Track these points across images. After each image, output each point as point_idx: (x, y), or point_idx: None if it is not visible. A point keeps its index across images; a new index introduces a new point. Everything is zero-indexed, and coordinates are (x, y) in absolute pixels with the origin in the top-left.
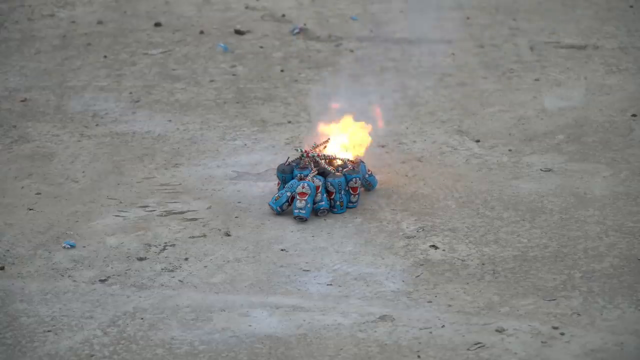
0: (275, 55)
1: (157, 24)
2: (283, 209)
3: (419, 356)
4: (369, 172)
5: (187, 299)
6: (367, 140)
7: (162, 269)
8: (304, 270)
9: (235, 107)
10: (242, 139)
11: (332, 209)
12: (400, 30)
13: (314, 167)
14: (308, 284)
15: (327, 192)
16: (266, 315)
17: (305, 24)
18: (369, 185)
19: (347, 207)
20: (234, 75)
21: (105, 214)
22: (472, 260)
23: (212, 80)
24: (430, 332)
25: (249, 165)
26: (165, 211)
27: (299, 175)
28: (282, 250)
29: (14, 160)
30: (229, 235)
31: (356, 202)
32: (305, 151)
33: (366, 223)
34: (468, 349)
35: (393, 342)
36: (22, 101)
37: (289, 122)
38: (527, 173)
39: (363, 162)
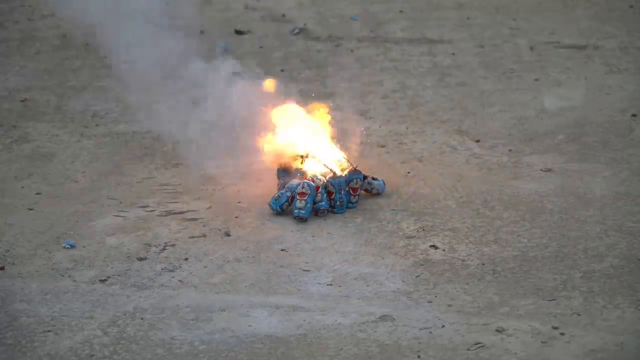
0: (275, 55)
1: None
2: (283, 208)
3: (419, 356)
4: (374, 177)
5: (187, 299)
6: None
7: (162, 269)
8: (304, 270)
9: (236, 107)
10: (242, 139)
11: (332, 209)
12: (400, 30)
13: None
14: (308, 284)
15: (327, 192)
16: (266, 315)
17: (305, 24)
18: (374, 189)
19: (347, 208)
20: (233, 75)
21: (105, 214)
22: (472, 260)
23: (212, 80)
24: (430, 332)
25: (249, 165)
26: (165, 211)
27: (298, 175)
28: (282, 250)
29: (14, 160)
30: (229, 235)
31: (356, 202)
32: (306, 155)
33: (366, 223)
34: (468, 349)
35: (393, 342)
36: (22, 101)
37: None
38: (527, 173)
39: (358, 170)
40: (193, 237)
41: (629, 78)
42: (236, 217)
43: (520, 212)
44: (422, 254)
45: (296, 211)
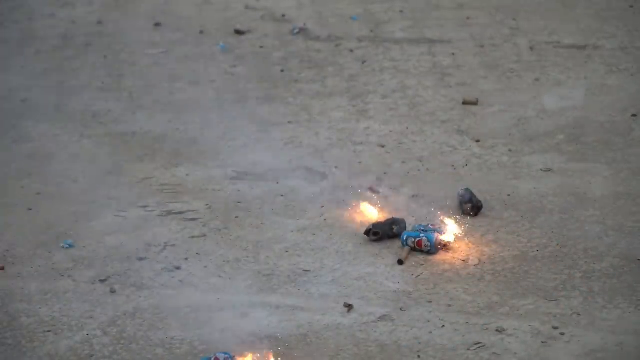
0: (275, 55)
1: (157, 24)
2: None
3: (419, 356)
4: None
5: (187, 299)
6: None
7: (162, 269)
8: (304, 270)
9: (235, 107)
10: (242, 139)
11: None
12: (400, 30)
13: None
14: (308, 284)
15: None
16: (266, 315)
17: (305, 24)
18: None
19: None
20: (233, 75)
21: (105, 214)
22: (472, 260)
23: (212, 80)
24: (430, 332)
25: (249, 165)
26: (165, 211)
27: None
28: (282, 250)
29: (14, 160)
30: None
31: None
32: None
33: (366, 223)
34: (468, 349)
35: (393, 342)
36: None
37: (289, 122)
38: (527, 173)
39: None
40: (193, 237)
41: (629, 78)
42: (236, 217)
43: (520, 212)
44: (422, 254)
45: None
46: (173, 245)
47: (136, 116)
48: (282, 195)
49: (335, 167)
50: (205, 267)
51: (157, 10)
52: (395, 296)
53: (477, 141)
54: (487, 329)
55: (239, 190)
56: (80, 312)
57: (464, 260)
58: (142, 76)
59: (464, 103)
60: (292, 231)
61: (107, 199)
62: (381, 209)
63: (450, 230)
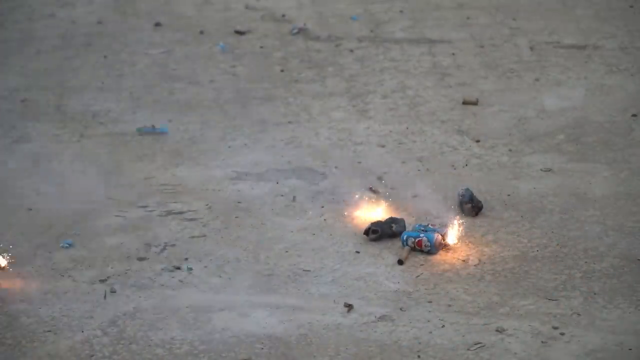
0: (275, 55)
1: (157, 24)
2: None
3: (419, 356)
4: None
5: (187, 299)
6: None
7: (162, 269)
8: (304, 270)
9: (235, 107)
10: (242, 139)
11: None
12: (400, 30)
13: None
14: (308, 284)
15: None
16: (266, 315)
17: (305, 24)
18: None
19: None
20: (234, 75)
21: (105, 214)
22: (472, 260)
23: (212, 80)
24: (430, 332)
25: (249, 165)
26: (165, 211)
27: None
28: (282, 250)
29: (14, 160)
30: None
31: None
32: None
33: (366, 223)
34: (468, 349)
35: (393, 342)
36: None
37: (289, 122)
38: (527, 173)
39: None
40: (193, 237)
41: (629, 78)
42: (236, 217)
43: (520, 212)
44: (422, 254)
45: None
46: (173, 245)
47: (136, 116)
48: (282, 195)
49: (335, 167)
50: (205, 267)
51: (157, 10)
52: (395, 296)
53: (477, 141)
54: (487, 329)
55: (239, 190)
56: (80, 312)
57: (464, 260)
58: (142, 76)
59: (464, 103)
60: (292, 231)
61: (107, 199)
62: (381, 209)
63: (451, 230)
